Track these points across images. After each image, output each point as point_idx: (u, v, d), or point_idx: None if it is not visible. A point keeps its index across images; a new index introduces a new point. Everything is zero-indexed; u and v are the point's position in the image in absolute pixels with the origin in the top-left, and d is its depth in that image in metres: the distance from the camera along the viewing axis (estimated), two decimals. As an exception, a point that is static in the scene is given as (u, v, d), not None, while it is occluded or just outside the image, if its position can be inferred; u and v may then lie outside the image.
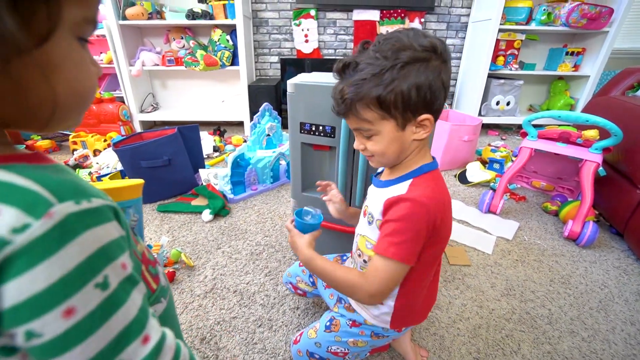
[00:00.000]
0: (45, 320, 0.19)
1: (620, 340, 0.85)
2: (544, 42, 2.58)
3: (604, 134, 1.21)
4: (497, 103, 2.50)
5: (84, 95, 0.26)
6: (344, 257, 0.82)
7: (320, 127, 0.87)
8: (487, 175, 1.70)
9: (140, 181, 0.46)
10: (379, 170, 0.67)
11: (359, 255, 0.64)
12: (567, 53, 2.46)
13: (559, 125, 1.40)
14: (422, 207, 0.50)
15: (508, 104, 2.52)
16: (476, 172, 1.74)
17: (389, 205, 0.53)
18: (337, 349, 0.67)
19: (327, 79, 0.86)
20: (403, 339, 0.78)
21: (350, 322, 0.67)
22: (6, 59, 0.19)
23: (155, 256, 0.38)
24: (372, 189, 0.64)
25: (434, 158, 0.58)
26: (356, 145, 0.57)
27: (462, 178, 1.75)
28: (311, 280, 0.82)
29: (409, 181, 0.54)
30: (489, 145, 2.22)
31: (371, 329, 0.66)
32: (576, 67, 2.49)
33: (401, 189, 0.54)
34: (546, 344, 0.83)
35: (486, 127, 2.72)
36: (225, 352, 0.79)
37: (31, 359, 0.21)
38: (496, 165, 1.79)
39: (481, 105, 2.49)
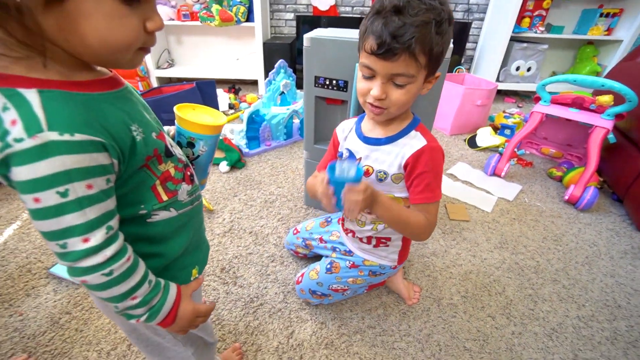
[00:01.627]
0: (26, 198, 0.29)
1: (597, 288, 0.93)
2: (577, 1, 2.41)
3: (619, 100, 1.20)
4: (517, 68, 2.41)
5: (114, 44, 0.31)
6: (329, 219, 0.90)
7: (334, 81, 0.91)
8: (497, 140, 1.71)
9: (220, 123, 0.49)
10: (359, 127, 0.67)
11: (369, 213, 0.67)
12: (601, 14, 2.31)
13: (575, 90, 1.38)
14: (441, 152, 0.60)
15: (529, 69, 2.43)
16: (486, 137, 1.75)
17: (416, 158, 0.58)
18: (338, 286, 0.77)
19: (343, 34, 0.88)
20: (396, 278, 0.88)
21: (350, 264, 0.76)
22: (38, 5, 0.26)
23: (189, 177, 0.45)
24: (369, 148, 0.63)
25: None
26: (378, 94, 0.52)
27: (472, 142, 1.77)
28: (305, 244, 0.91)
29: (414, 132, 0.60)
30: (504, 111, 2.19)
31: (369, 269, 0.76)
32: (609, 30, 2.34)
33: (415, 141, 0.59)
34: (529, 288, 0.92)
35: (503, 94, 2.65)
36: (242, 280, 0.91)
37: None
38: (507, 131, 1.80)
39: (500, 70, 2.42)
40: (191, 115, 0.49)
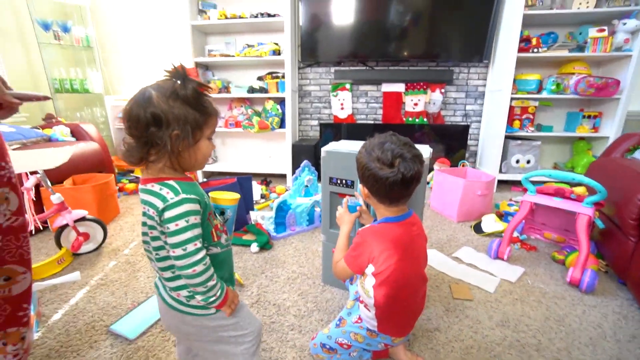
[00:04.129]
0: (170, 225, 0.60)
1: (598, 367, 0.96)
2: (560, 106, 2.80)
3: (593, 190, 1.39)
4: (517, 161, 2.69)
5: (206, 159, 0.68)
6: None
7: (344, 181, 1.20)
8: (501, 226, 1.86)
9: (236, 197, 0.83)
10: None
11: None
12: (584, 116, 2.65)
13: (556, 182, 1.59)
14: (362, 239, 0.85)
15: (528, 162, 2.69)
16: (490, 223, 1.91)
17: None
18: (342, 340, 0.91)
19: (348, 147, 1.21)
20: (399, 350, 0.98)
21: (355, 319, 0.91)
22: (188, 148, 0.62)
23: (226, 231, 0.76)
24: None
25: (402, 215, 0.86)
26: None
27: (477, 228, 1.93)
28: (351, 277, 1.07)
29: (372, 225, 0.88)
30: (510, 199, 2.38)
31: (366, 326, 0.90)
32: (595, 128, 2.64)
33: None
34: (530, 365, 0.97)
35: (510, 183, 2.86)
36: (265, 344, 1.05)
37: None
38: (510, 218, 1.95)
39: (501, 163, 2.69)
40: (217, 194, 0.83)
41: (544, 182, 1.63)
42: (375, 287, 0.83)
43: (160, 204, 0.60)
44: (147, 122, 0.58)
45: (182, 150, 0.62)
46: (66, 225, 1.54)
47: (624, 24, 2.31)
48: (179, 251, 0.60)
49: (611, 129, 2.53)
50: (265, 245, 1.69)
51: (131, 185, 2.70)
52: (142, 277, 1.43)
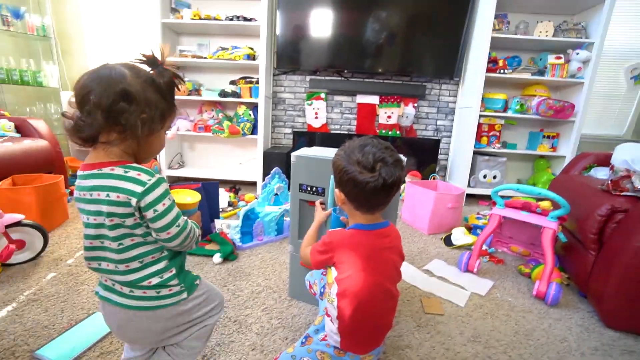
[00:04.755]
0: (157, 207, 0.59)
1: (566, 384, 0.95)
2: (523, 126, 2.96)
3: (557, 205, 1.43)
4: (484, 176, 2.78)
5: (160, 150, 0.69)
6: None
7: (314, 188, 1.14)
8: (470, 239, 1.88)
9: (195, 201, 0.82)
10: None
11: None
12: (543, 136, 2.81)
13: (523, 196, 1.63)
14: (330, 239, 0.80)
15: (495, 177, 2.79)
16: (460, 236, 1.93)
17: None
18: (307, 359, 0.82)
19: (320, 153, 1.16)
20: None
21: (322, 337, 0.83)
22: (151, 135, 0.63)
23: None
24: None
25: (375, 224, 0.80)
26: None
27: (448, 241, 1.94)
28: (322, 290, 0.97)
29: (342, 229, 0.83)
30: (478, 213, 2.43)
31: (333, 344, 0.82)
32: (554, 148, 2.81)
33: None
34: (501, 383, 0.94)
35: (478, 197, 2.95)
36: (222, 369, 0.93)
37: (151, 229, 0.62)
38: (478, 231, 1.98)
39: (469, 177, 2.77)
40: (177, 198, 0.77)
41: (511, 197, 1.67)
42: (339, 295, 0.76)
43: (137, 188, 0.57)
44: (117, 97, 0.55)
45: (146, 136, 0.61)
46: (-5, 231, 1.34)
47: (577, 53, 2.51)
48: (174, 229, 0.61)
49: (567, 149, 2.70)
50: (230, 256, 1.57)
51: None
52: (86, 291, 1.26)
